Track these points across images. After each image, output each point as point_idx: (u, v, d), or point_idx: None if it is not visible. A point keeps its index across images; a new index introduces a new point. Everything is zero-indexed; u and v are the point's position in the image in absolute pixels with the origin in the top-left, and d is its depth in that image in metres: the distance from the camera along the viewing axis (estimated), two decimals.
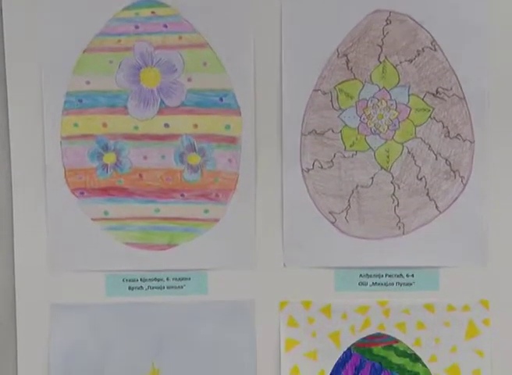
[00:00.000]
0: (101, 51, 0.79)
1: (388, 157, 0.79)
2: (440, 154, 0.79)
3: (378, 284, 0.80)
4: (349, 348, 0.81)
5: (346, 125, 0.79)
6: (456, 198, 0.79)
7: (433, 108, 0.78)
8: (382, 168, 0.79)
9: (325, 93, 0.79)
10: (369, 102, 0.79)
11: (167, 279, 0.81)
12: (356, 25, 0.78)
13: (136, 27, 0.79)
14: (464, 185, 0.79)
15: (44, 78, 0.79)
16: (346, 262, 0.80)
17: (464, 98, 0.78)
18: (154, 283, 0.81)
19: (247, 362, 0.81)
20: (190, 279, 0.81)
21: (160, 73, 0.79)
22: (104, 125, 0.79)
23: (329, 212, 0.80)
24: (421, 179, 0.79)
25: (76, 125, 0.80)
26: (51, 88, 0.79)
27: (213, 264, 0.80)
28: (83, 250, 0.81)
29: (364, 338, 0.80)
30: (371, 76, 0.78)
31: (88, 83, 0.79)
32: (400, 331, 0.80)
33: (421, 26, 0.78)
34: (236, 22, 0.78)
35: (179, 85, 0.79)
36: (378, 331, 0.80)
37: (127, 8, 0.79)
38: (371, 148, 0.79)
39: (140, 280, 0.81)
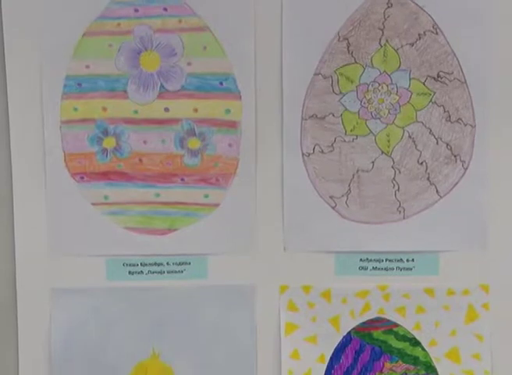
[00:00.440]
0: (100, 35, 0.78)
1: (388, 141, 0.79)
2: (441, 138, 0.79)
3: (379, 269, 0.81)
4: (349, 333, 0.81)
5: (346, 109, 0.79)
6: (457, 183, 0.79)
7: (434, 93, 0.78)
8: (382, 152, 0.79)
9: (325, 77, 0.78)
10: (370, 86, 0.78)
11: (167, 263, 0.81)
12: (357, 8, 0.77)
13: (136, 11, 0.78)
14: (465, 170, 0.79)
15: (43, 62, 0.78)
16: (347, 246, 0.80)
17: (466, 82, 0.78)
18: (155, 268, 0.81)
19: (247, 347, 0.81)
20: (190, 263, 0.81)
21: (160, 56, 0.79)
22: (104, 109, 0.79)
23: (330, 197, 0.80)
24: (421, 163, 0.79)
25: (75, 109, 0.79)
26: (50, 72, 0.78)
27: (213, 249, 0.80)
28: (84, 234, 0.81)
29: (364, 322, 0.81)
30: (371, 60, 0.78)
31: (88, 67, 0.78)
32: (399, 315, 0.80)
33: (423, 10, 0.77)
34: (236, 5, 0.78)
35: (178, 69, 0.78)
36: (378, 315, 0.81)
37: None
38: (371, 132, 0.79)
39: (141, 264, 0.81)
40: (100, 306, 0.81)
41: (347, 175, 0.80)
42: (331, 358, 0.81)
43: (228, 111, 0.79)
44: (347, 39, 0.78)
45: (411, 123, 0.79)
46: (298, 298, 0.81)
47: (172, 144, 0.80)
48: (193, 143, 0.80)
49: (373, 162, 0.79)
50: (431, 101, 0.78)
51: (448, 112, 0.78)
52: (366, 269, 0.81)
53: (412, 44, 0.78)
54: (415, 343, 0.80)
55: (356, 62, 0.78)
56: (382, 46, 0.78)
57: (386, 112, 0.79)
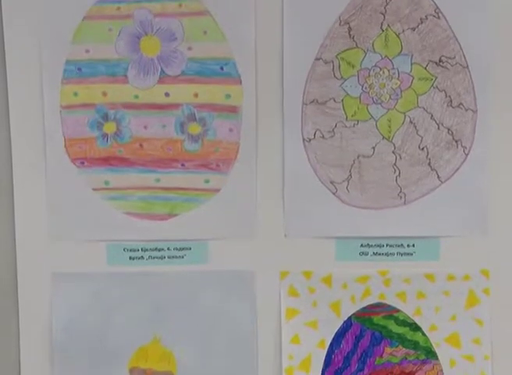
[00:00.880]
0: (100, 19, 0.78)
1: (390, 127, 0.79)
2: (442, 123, 0.78)
3: (379, 254, 0.81)
4: (349, 318, 0.81)
5: (347, 94, 0.78)
6: (458, 168, 0.79)
7: (436, 77, 0.78)
8: (383, 138, 0.79)
9: (326, 62, 0.78)
10: (371, 71, 0.78)
11: (168, 249, 0.81)
12: None
13: None
14: (466, 155, 0.79)
15: (43, 46, 0.78)
16: (347, 232, 0.80)
17: (468, 66, 0.77)
18: (155, 253, 0.81)
19: (248, 332, 0.81)
20: (190, 249, 0.81)
21: (160, 41, 0.78)
22: (104, 94, 0.79)
23: (330, 182, 0.80)
24: (422, 149, 0.79)
25: (75, 94, 0.79)
26: (50, 57, 0.78)
27: (214, 234, 0.80)
28: (84, 220, 0.81)
29: (365, 308, 0.81)
30: (373, 44, 0.77)
31: (88, 51, 0.78)
32: (400, 301, 0.81)
33: None
34: None
35: (179, 54, 0.78)
36: (379, 301, 0.81)
37: None
38: (372, 117, 0.79)
39: (141, 249, 0.81)
40: (100, 291, 0.81)
41: (348, 160, 0.79)
42: (331, 343, 0.81)
43: (228, 96, 0.79)
44: (348, 23, 0.77)
45: (413, 108, 0.78)
46: (299, 283, 0.81)
47: (172, 129, 0.79)
48: (194, 128, 0.79)
49: (374, 148, 0.79)
50: (432, 86, 0.78)
51: (449, 97, 0.78)
52: (367, 254, 0.81)
53: (414, 29, 0.77)
54: (415, 328, 0.81)
55: (357, 47, 0.78)
56: (383, 30, 0.77)
57: (388, 97, 0.78)
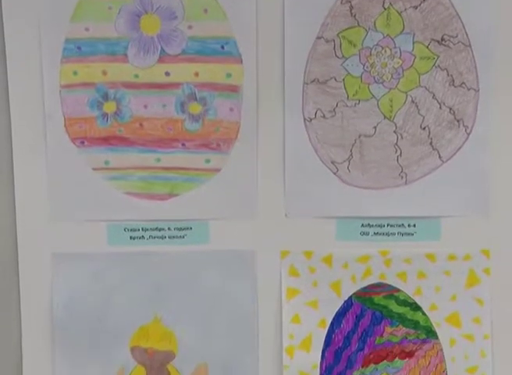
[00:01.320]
0: None
1: (391, 106, 0.78)
2: (444, 103, 0.78)
3: (380, 234, 0.81)
4: (350, 297, 0.81)
5: (349, 73, 0.78)
6: (460, 148, 0.79)
7: (438, 56, 0.77)
8: (385, 117, 0.79)
9: (327, 41, 0.77)
10: (373, 50, 0.77)
11: (168, 228, 0.81)
12: None
13: None
14: (468, 134, 0.78)
15: (42, 25, 0.77)
16: (348, 211, 0.80)
17: (470, 45, 0.77)
18: (156, 233, 0.81)
19: (249, 311, 0.81)
20: (191, 228, 0.81)
21: (160, 19, 0.77)
22: (104, 73, 0.78)
23: (331, 162, 0.79)
24: (424, 128, 0.78)
25: (75, 73, 0.78)
26: (49, 35, 0.77)
27: (214, 214, 0.80)
28: (84, 200, 0.80)
29: (365, 287, 0.81)
30: (375, 23, 0.77)
31: (87, 30, 0.77)
32: (400, 280, 0.81)
33: None
34: None
35: (179, 32, 0.77)
36: (379, 280, 0.81)
37: None
38: (374, 97, 0.78)
39: (142, 229, 0.81)
40: (101, 271, 0.81)
41: (349, 140, 0.79)
42: (332, 322, 0.81)
43: (229, 75, 0.78)
44: (350, 2, 0.77)
45: (414, 87, 0.78)
46: (299, 263, 0.81)
47: (172, 109, 0.79)
48: (194, 107, 0.79)
49: (375, 127, 0.79)
50: (434, 65, 0.77)
51: (451, 76, 0.77)
52: (367, 234, 0.81)
53: (416, 7, 0.76)
54: (416, 308, 0.81)
55: (359, 26, 0.77)
56: (385, 9, 0.77)
57: (389, 76, 0.78)
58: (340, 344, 0.81)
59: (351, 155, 0.79)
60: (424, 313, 0.81)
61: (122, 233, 0.81)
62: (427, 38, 0.77)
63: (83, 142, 0.80)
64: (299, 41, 0.77)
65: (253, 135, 0.79)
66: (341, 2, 0.77)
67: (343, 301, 0.81)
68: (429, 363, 0.81)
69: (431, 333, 0.81)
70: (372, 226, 0.80)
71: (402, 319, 0.81)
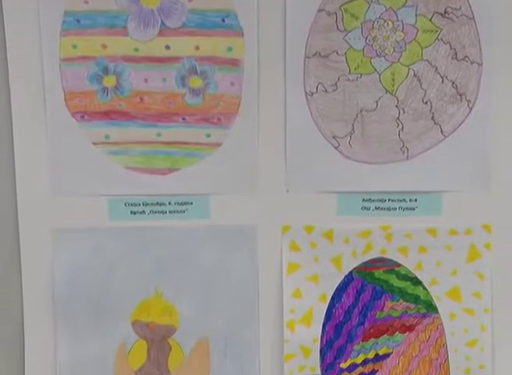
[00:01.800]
0: None
1: (393, 80, 0.78)
2: (447, 77, 0.77)
3: (381, 209, 0.80)
4: (350, 272, 0.81)
5: (350, 47, 0.77)
6: (462, 122, 0.78)
7: (441, 29, 0.76)
8: (387, 91, 0.78)
9: (329, 13, 0.77)
10: (375, 23, 0.77)
11: (169, 203, 0.81)
12: None
13: None
14: (470, 109, 0.78)
15: None
16: (349, 186, 0.80)
17: (474, 18, 0.76)
18: (157, 208, 0.81)
19: (249, 286, 0.81)
20: (192, 203, 0.81)
21: None
22: (104, 46, 0.78)
23: (333, 137, 0.79)
24: (426, 102, 0.78)
25: (74, 46, 0.78)
26: (48, 8, 0.76)
27: (215, 188, 0.80)
28: (85, 174, 0.80)
29: (366, 262, 0.81)
30: None
31: (86, 2, 0.77)
32: (401, 255, 0.81)
33: None
34: None
35: (179, 5, 0.77)
36: (380, 255, 0.81)
37: None
38: (376, 70, 0.78)
39: (143, 204, 0.81)
40: (102, 246, 0.81)
41: (351, 114, 0.79)
42: (332, 297, 0.81)
43: (230, 49, 0.77)
44: None
45: (417, 61, 0.77)
46: (300, 238, 0.81)
47: (173, 83, 0.78)
48: (195, 81, 0.78)
49: (377, 102, 0.78)
50: (437, 38, 0.77)
51: (454, 49, 0.77)
52: (368, 209, 0.80)
53: None
54: (416, 282, 0.81)
55: None
56: None
57: (391, 49, 0.77)
58: (341, 319, 0.82)
59: (353, 129, 0.79)
60: (424, 288, 0.81)
61: (122, 208, 0.81)
62: (430, 11, 0.76)
63: (83, 116, 0.79)
64: (300, 14, 0.76)
65: (254, 109, 0.79)
66: None
67: (343, 276, 0.81)
68: (429, 337, 0.81)
69: (431, 307, 0.81)
70: (373, 200, 0.80)
71: (402, 294, 0.81)
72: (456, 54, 0.77)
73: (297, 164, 0.79)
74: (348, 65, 0.78)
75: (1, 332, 0.83)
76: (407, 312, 0.81)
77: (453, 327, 0.81)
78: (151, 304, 0.82)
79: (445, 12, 0.76)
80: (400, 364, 0.82)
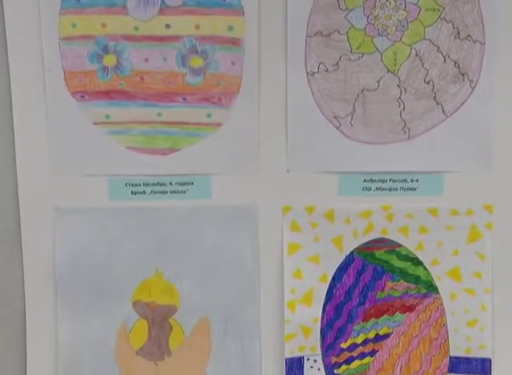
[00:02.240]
0: None
1: (395, 59, 0.77)
2: (449, 56, 0.77)
3: (382, 189, 0.80)
4: (351, 252, 0.81)
5: (352, 26, 0.77)
6: (464, 102, 0.78)
7: (444, 8, 0.76)
8: (388, 71, 0.77)
9: None
10: (377, 2, 0.76)
11: (170, 183, 0.81)
12: None
13: None
14: (473, 89, 0.77)
15: None
16: (350, 167, 0.80)
17: None
18: (157, 188, 0.81)
19: (250, 266, 0.81)
20: (193, 183, 0.81)
21: None
22: (104, 25, 0.77)
23: (334, 117, 0.79)
24: (428, 82, 0.77)
25: (74, 25, 0.77)
26: None
27: (216, 169, 0.80)
28: (85, 154, 0.80)
29: (367, 242, 0.81)
30: None
31: None
32: (402, 235, 0.81)
33: None
34: None
35: None
36: (381, 236, 0.81)
37: None
38: (378, 50, 0.77)
39: (143, 184, 0.81)
40: (103, 226, 0.81)
41: (352, 94, 0.78)
42: (333, 277, 0.82)
43: (231, 28, 0.77)
44: None
45: (419, 40, 0.76)
46: (301, 218, 0.81)
47: (173, 63, 0.78)
48: (196, 61, 0.78)
49: (378, 81, 0.78)
50: (440, 17, 0.76)
51: (457, 28, 0.76)
52: (370, 189, 0.80)
53: None
54: (417, 263, 0.81)
55: None
56: None
57: (394, 28, 0.76)
58: (341, 299, 0.82)
59: (354, 109, 0.78)
60: (425, 268, 0.81)
61: (123, 188, 0.81)
62: None
63: (83, 96, 0.79)
64: None
65: (255, 89, 0.78)
66: None
67: (344, 256, 0.81)
68: (430, 317, 0.82)
69: (431, 287, 0.81)
70: (374, 181, 0.80)
71: (403, 274, 0.81)
72: (458, 33, 0.76)
73: (298, 144, 0.79)
74: (350, 44, 0.77)
75: (3, 312, 0.83)
76: (407, 292, 0.81)
77: (453, 307, 0.81)
78: (152, 284, 0.82)
79: None
80: (401, 344, 0.82)
